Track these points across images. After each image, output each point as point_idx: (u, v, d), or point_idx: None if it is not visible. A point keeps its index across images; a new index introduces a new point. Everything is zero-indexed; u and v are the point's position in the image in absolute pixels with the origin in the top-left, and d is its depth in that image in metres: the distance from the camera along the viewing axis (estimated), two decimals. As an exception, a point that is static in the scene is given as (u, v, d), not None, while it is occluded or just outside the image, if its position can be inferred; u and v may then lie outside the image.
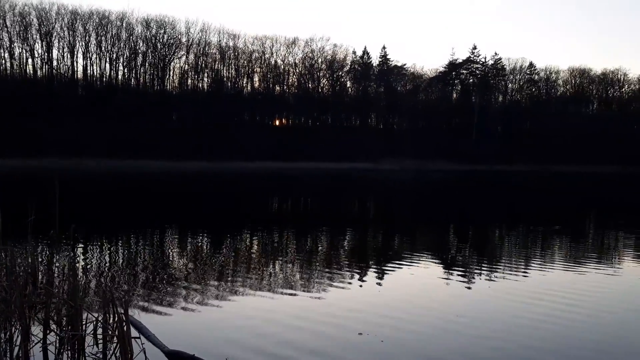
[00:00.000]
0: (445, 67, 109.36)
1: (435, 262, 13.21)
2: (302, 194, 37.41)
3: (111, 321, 6.63)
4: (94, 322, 6.66)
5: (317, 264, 12.25)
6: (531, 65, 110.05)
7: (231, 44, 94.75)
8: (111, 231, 16.88)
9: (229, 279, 10.55)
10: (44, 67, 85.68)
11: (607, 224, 23.12)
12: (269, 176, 57.55)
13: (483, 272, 11.81)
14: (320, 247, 15.19)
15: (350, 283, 10.41)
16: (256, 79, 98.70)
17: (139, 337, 6.21)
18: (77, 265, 11.15)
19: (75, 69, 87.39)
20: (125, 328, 5.74)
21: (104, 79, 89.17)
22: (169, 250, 13.94)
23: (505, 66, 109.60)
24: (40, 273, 9.82)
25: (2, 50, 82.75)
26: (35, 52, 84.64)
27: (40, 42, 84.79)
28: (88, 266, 11.30)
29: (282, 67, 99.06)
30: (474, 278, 11.21)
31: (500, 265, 12.51)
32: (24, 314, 6.23)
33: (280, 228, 19.09)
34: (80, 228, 15.49)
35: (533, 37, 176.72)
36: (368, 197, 37.80)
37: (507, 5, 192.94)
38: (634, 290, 10.51)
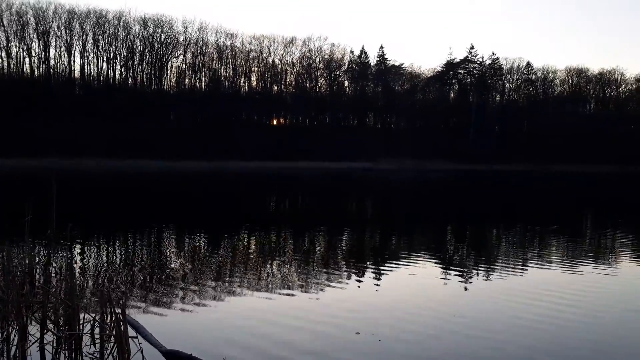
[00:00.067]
0: (442, 67, 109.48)
1: (434, 262, 13.21)
2: (302, 194, 37.40)
3: (108, 321, 6.61)
4: (92, 322, 6.65)
5: (315, 263, 12.24)
6: (528, 65, 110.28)
7: (229, 43, 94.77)
8: (109, 231, 16.85)
9: (227, 278, 10.54)
10: (41, 66, 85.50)
11: (605, 223, 23.17)
12: (267, 176, 57.52)
13: (481, 272, 11.82)
14: (318, 247, 15.19)
15: (348, 283, 10.42)
16: (254, 78, 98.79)
17: (137, 337, 6.21)
18: (75, 265, 11.14)
19: (73, 68, 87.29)
20: (122, 327, 5.73)
21: (102, 79, 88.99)
22: (167, 250, 13.92)
23: (502, 66, 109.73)
24: (37, 273, 9.82)
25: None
26: (33, 51, 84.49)
27: (37, 41, 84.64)
28: (85, 266, 11.27)
29: (280, 66, 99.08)
30: (472, 278, 11.22)
31: (498, 265, 12.53)
32: (21, 314, 6.22)
33: (278, 228, 19.09)
34: (77, 228, 15.50)
35: (530, 37, 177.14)
36: (370, 196, 37.81)
37: (505, 5, 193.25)
38: (631, 289, 10.53)
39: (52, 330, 6.58)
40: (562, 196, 40.13)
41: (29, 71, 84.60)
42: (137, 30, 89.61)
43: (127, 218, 20.71)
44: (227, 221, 20.76)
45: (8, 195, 26.74)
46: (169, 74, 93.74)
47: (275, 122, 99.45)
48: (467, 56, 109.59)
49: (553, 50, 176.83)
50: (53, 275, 10.09)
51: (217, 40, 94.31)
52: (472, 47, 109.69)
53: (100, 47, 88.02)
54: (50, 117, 74.29)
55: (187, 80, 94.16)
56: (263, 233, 17.46)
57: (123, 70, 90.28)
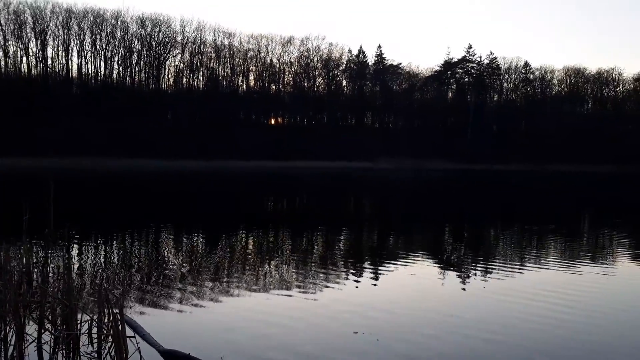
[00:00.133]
0: (440, 67, 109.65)
1: (432, 262, 13.22)
2: (301, 194, 37.38)
3: (106, 320, 6.60)
4: (89, 322, 6.64)
5: (313, 263, 12.24)
6: (526, 64, 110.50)
7: (226, 42, 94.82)
8: (107, 230, 16.83)
9: (225, 278, 10.54)
10: (39, 65, 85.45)
11: (602, 223, 23.20)
12: (266, 175, 57.49)
13: (479, 271, 11.83)
14: (316, 247, 15.19)
15: (346, 282, 10.42)
16: (252, 77, 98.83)
17: (134, 337, 6.20)
18: (72, 264, 11.12)
19: (70, 67, 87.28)
20: (120, 327, 5.73)
21: (99, 78, 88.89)
22: (165, 250, 13.91)
23: (500, 65, 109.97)
24: (35, 272, 9.81)
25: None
26: (30, 50, 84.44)
27: (34, 40, 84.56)
28: (83, 265, 11.26)
29: (278, 65, 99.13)
30: (470, 277, 11.23)
31: (496, 265, 12.53)
32: (18, 313, 6.21)
33: (277, 228, 19.08)
34: (75, 227, 15.49)
35: (528, 37, 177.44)
36: (370, 196, 37.81)
37: (503, 5, 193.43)
38: (629, 289, 10.55)
39: (50, 330, 6.57)
40: (561, 196, 40.18)
41: (26, 70, 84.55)
42: (134, 29, 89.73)
43: (125, 217, 20.68)
44: (225, 221, 20.74)
45: (6, 195, 26.69)
46: (166, 74, 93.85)
47: (273, 121, 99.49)
48: (465, 56, 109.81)
49: (551, 49, 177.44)
50: (51, 274, 10.07)
51: (215, 39, 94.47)
52: (470, 47, 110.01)
53: (97, 47, 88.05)
54: (48, 116, 74.19)
55: (184, 79, 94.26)
56: (261, 233, 17.46)
57: (121, 69, 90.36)
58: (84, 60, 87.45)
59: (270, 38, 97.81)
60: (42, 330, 6.51)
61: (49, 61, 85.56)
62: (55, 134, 70.92)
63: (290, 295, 9.23)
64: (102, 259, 12.19)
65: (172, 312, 8.11)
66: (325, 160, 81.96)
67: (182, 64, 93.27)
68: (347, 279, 10.75)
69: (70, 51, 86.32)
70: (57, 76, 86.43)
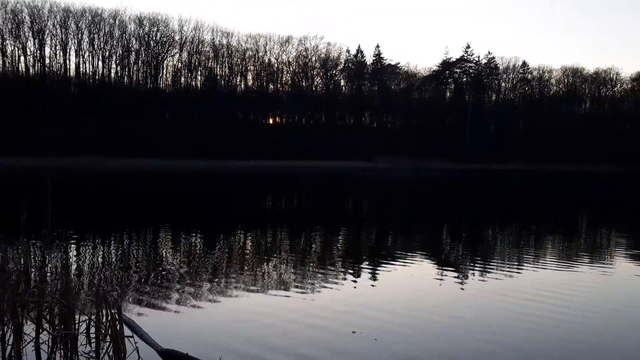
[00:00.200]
0: (438, 66, 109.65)
1: (430, 261, 13.23)
2: (300, 194, 37.37)
3: (104, 320, 6.60)
4: (87, 321, 6.63)
5: (312, 263, 12.24)
6: (524, 64, 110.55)
7: (225, 42, 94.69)
8: (105, 230, 16.81)
9: (223, 278, 10.53)
10: (37, 65, 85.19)
11: (600, 223, 23.24)
12: (264, 175, 57.45)
13: (477, 271, 11.84)
14: (314, 247, 15.19)
15: (344, 282, 10.41)
16: (250, 77, 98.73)
17: (132, 336, 6.19)
18: (70, 264, 11.10)
19: (68, 66, 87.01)
20: (118, 327, 5.72)
21: (97, 77, 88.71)
22: (163, 250, 13.89)
23: (498, 65, 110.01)
24: (32, 272, 9.80)
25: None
26: (28, 49, 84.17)
27: (32, 39, 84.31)
28: (81, 265, 11.24)
29: (276, 65, 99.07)
30: (468, 277, 11.24)
31: (494, 265, 12.55)
32: (16, 313, 6.20)
33: (275, 227, 19.07)
34: (73, 227, 15.47)
35: (526, 37, 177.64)
36: (370, 196, 37.80)
37: (501, 5, 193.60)
38: (627, 289, 10.57)
39: (48, 329, 6.56)
40: (559, 196, 40.22)
41: (24, 70, 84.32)
42: (132, 28, 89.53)
43: (123, 217, 20.66)
44: (224, 220, 20.73)
45: (4, 195, 26.65)
46: (164, 73, 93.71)
47: (271, 121, 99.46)
48: (463, 55, 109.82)
49: (549, 49, 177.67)
50: (48, 274, 10.05)
51: (213, 39, 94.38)
52: (468, 47, 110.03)
53: (95, 46, 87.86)
54: (46, 116, 74.04)
55: (183, 79, 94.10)
56: (259, 233, 17.45)
57: (119, 68, 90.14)
58: (81, 59, 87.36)
59: (269, 38, 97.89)
60: (40, 330, 6.50)
61: (47, 60, 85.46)
62: (54, 134, 70.79)
63: (288, 296, 9.22)
64: (100, 259, 12.17)
65: (170, 312, 8.10)
66: (324, 159, 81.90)
67: (180, 64, 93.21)
68: (345, 279, 10.74)
69: (68, 50, 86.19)
70: (55, 75, 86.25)
